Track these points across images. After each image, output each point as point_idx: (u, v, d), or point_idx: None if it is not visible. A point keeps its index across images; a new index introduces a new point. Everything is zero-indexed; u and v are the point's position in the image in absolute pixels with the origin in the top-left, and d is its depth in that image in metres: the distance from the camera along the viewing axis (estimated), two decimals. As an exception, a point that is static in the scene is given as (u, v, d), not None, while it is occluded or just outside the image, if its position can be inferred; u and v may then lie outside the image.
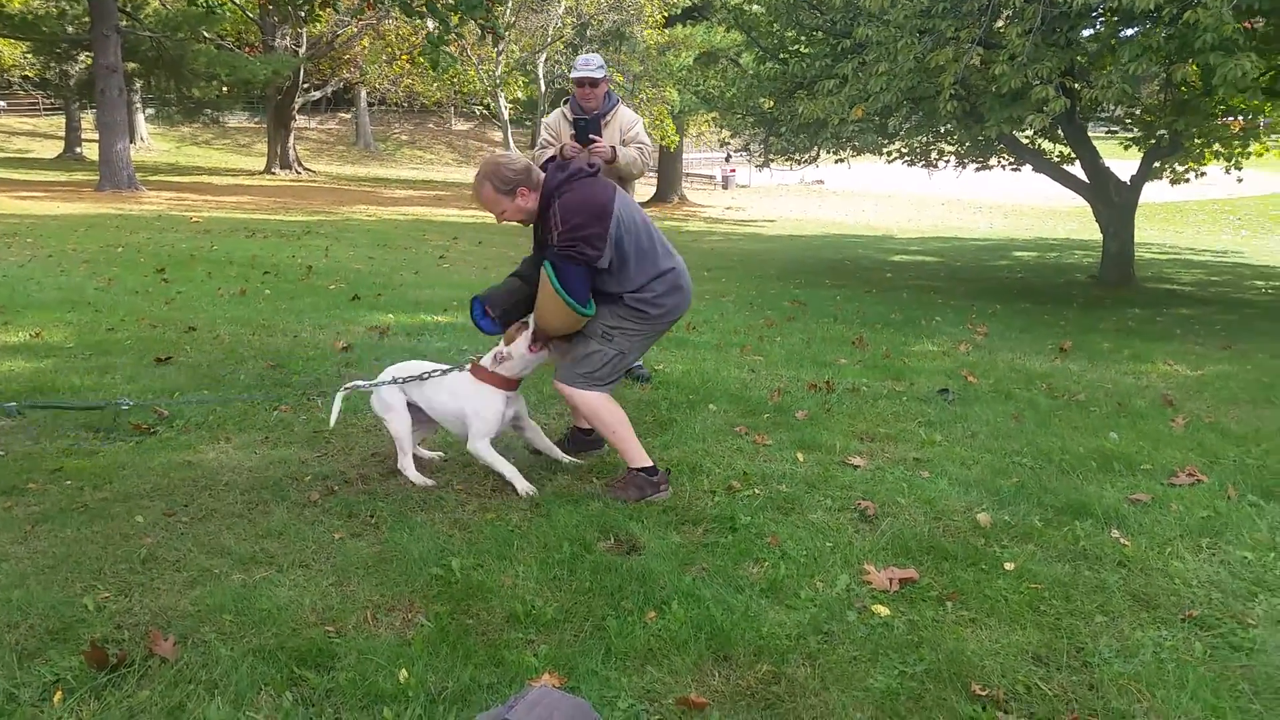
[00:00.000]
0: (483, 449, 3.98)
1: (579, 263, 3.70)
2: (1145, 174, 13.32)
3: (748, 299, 10.43)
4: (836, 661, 2.72)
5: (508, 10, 22.05)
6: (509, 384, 4.04)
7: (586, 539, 3.49)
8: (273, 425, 4.83)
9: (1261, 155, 16.99)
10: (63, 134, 34.37)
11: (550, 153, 5.79)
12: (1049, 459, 4.56)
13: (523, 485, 3.94)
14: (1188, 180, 15.76)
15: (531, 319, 3.95)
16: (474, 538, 3.51)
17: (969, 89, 9.97)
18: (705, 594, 3.07)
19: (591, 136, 5.46)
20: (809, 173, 31.39)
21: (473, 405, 3.99)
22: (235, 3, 29.20)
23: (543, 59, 22.35)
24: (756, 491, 4.02)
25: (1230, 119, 13.45)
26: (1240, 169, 16.81)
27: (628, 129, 5.71)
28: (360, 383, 4.34)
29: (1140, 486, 4.18)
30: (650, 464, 3.95)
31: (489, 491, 4.00)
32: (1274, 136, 16.93)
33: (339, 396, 4.29)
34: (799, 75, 12.74)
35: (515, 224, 3.95)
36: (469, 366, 4.10)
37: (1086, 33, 10.34)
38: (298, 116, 32.98)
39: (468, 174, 39.43)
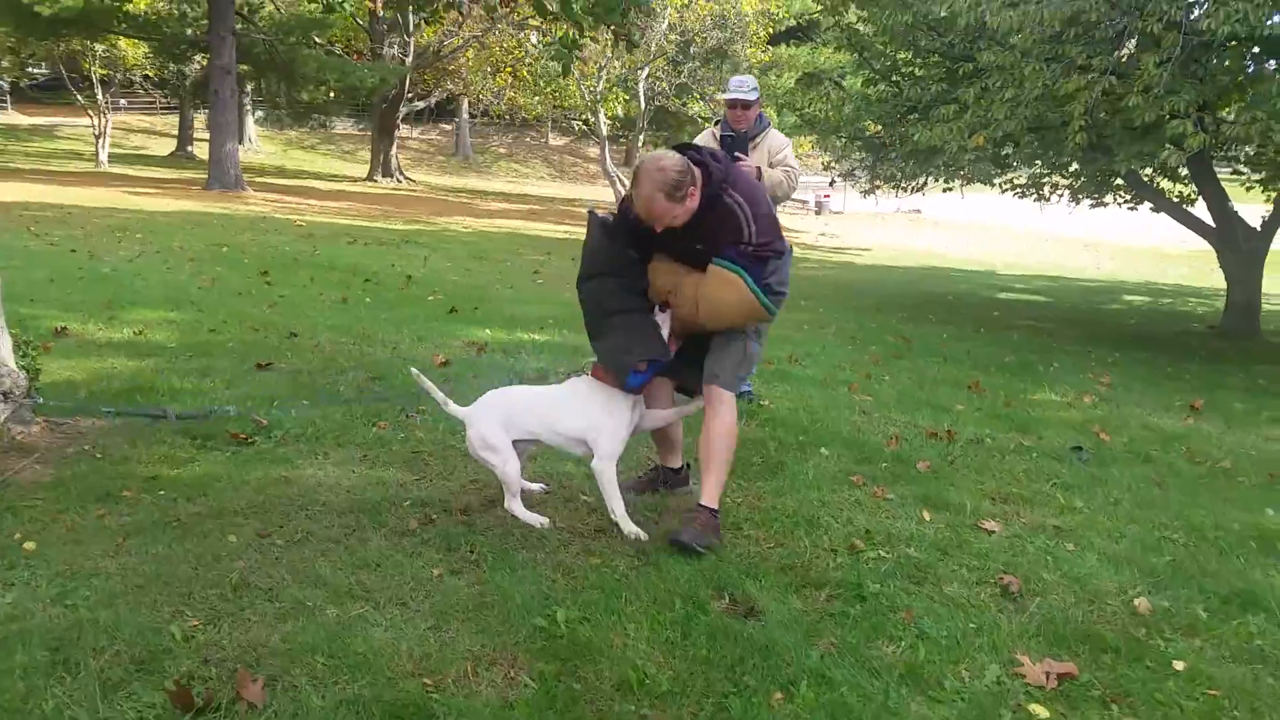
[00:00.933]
0: (608, 472, 3.65)
1: (776, 257, 3.54)
2: (1279, 219, 12.56)
3: (849, 332, 10.06)
4: (991, 771, 2.39)
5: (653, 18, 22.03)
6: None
7: (700, 597, 3.21)
8: (371, 442, 4.66)
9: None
10: (176, 132, 35.51)
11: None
12: (1203, 535, 4.13)
13: (630, 528, 3.66)
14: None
15: (665, 319, 3.65)
16: (578, 585, 3.26)
17: (1097, 120, 9.45)
18: (836, 675, 2.76)
19: (738, 155, 5.29)
20: (906, 202, 30.71)
21: (602, 417, 3.67)
22: (347, 9, 29.92)
23: (644, 75, 22.24)
24: (883, 554, 3.69)
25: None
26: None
27: (776, 152, 5.58)
28: (451, 404, 3.94)
29: (1313, 576, 3.73)
30: (718, 507, 3.73)
31: (592, 532, 3.74)
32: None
33: (430, 387, 3.95)
34: (913, 99, 12.32)
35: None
36: (588, 374, 3.81)
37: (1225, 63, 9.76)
38: (401, 125, 33.47)
39: (562, 189, 39.71)
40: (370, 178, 31.77)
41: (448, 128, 46.41)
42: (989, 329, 11.76)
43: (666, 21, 21.73)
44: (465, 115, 42.39)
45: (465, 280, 11.31)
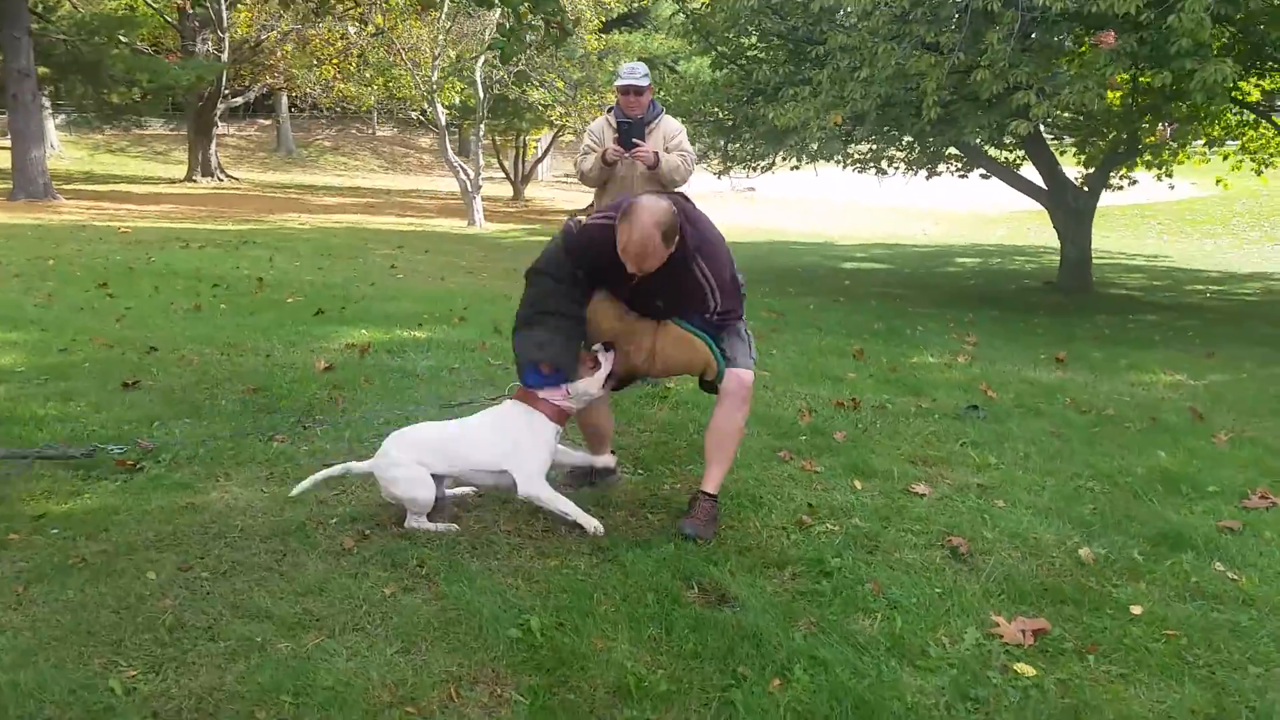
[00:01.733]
0: (541, 490, 3.53)
1: (737, 320, 3.65)
2: (1103, 179, 13.43)
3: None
4: (1000, 733, 2.42)
5: (443, 14, 21.49)
6: (562, 417, 3.63)
7: (670, 588, 3.13)
8: (273, 458, 4.35)
9: (1188, 161, 17.42)
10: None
11: (593, 158, 5.53)
12: (1113, 481, 4.34)
13: (589, 522, 3.52)
14: (1121, 188, 16.03)
15: (606, 357, 3.56)
16: (543, 589, 3.12)
17: (944, 96, 9.82)
18: (826, 655, 2.73)
19: (635, 141, 5.22)
20: (740, 181, 31.35)
21: (525, 440, 3.53)
22: (153, 6, 28.08)
23: (480, 64, 21.77)
24: (831, 527, 3.70)
25: (1163, 126, 13.63)
26: (1171, 176, 17.21)
27: (671, 137, 5.54)
28: (353, 465, 3.73)
29: (1220, 511, 3.98)
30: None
31: (540, 533, 3.60)
32: (1198, 143, 17.38)
33: (323, 474, 3.72)
34: (761, 82, 12.49)
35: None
36: (513, 395, 3.67)
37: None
38: (219, 123, 31.69)
39: (395, 180, 38.55)
40: (189, 178, 29.99)
41: (267, 123, 44.32)
42: (847, 298, 12.10)
43: (499, 10, 21.31)
44: (285, 110, 40.56)
45: (321, 279, 10.79)
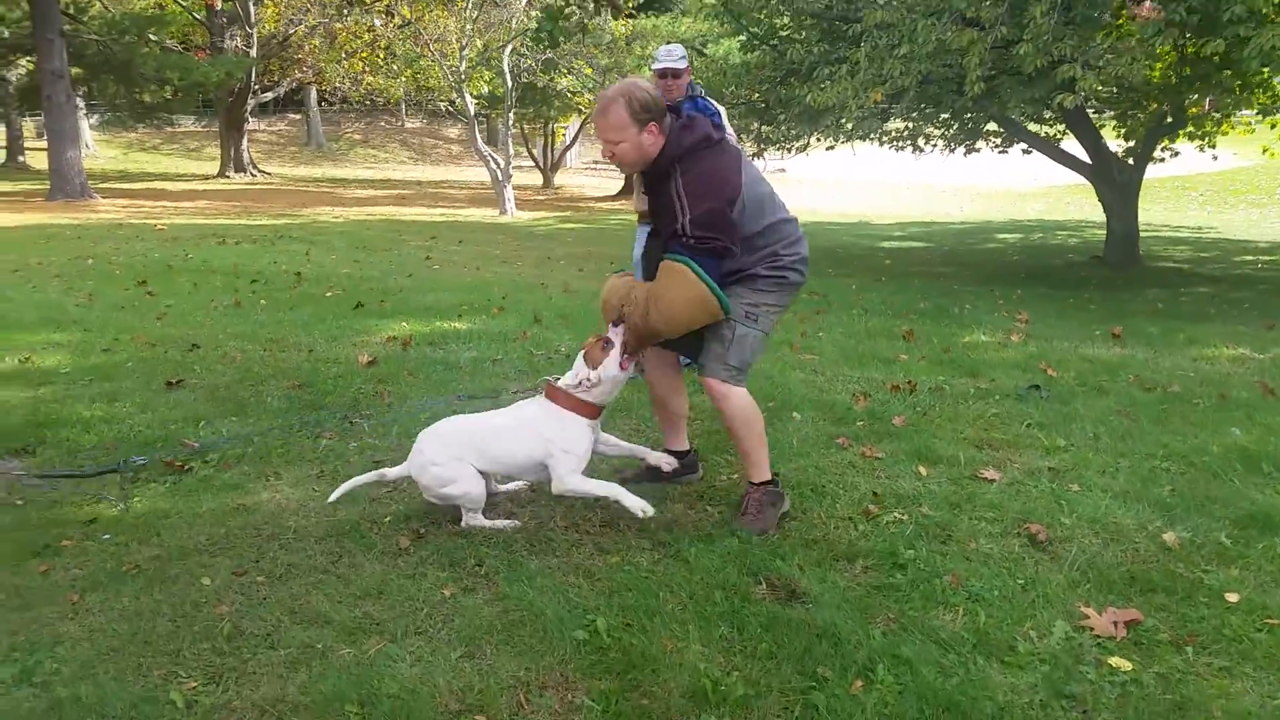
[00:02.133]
0: (576, 483, 3.38)
1: (718, 255, 3.22)
2: (1149, 153, 13.09)
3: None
4: (1103, 734, 2.28)
5: (470, 3, 21.40)
6: (595, 411, 3.48)
7: (737, 585, 3.01)
8: (323, 456, 4.28)
9: (1232, 131, 17.01)
10: (3, 143, 32.98)
11: None
12: (1189, 461, 4.16)
13: (635, 502, 3.32)
14: (1162, 160, 15.65)
15: (618, 334, 3.40)
16: (606, 588, 3.01)
17: (988, 71, 9.57)
18: (909, 654, 2.60)
19: None
20: (773, 162, 31.06)
21: (558, 439, 3.39)
22: (182, 4, 28.21)
23: (507, 52, 21.66)
24: (899, 516, 3.56)
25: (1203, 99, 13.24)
26: (1214, 147, 16.80)
27: None
28: (387, 471, 3.60)
29: (1310, 492, 3.79)
30: (770, 475, 3.55)
31: (598, 528, 3.49)
32: (1244, 112, 16.95)
33: (355, 481, 3.61)
34: (795, 62, 12.27)
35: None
36: (543, 393, 3.53)
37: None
38: (249, 118, 31.89)
39: (425, 172, 38.64)
40: (222, 174, 30.22)
41: (296, 118, 44.56)
42: (888, 278, 11.89)
43: (524, -1, 21.21)
44: (315, 103, 40.74)
45: (358, 273, 10.74)
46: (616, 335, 3.41)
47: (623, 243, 17.18)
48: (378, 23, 25.94)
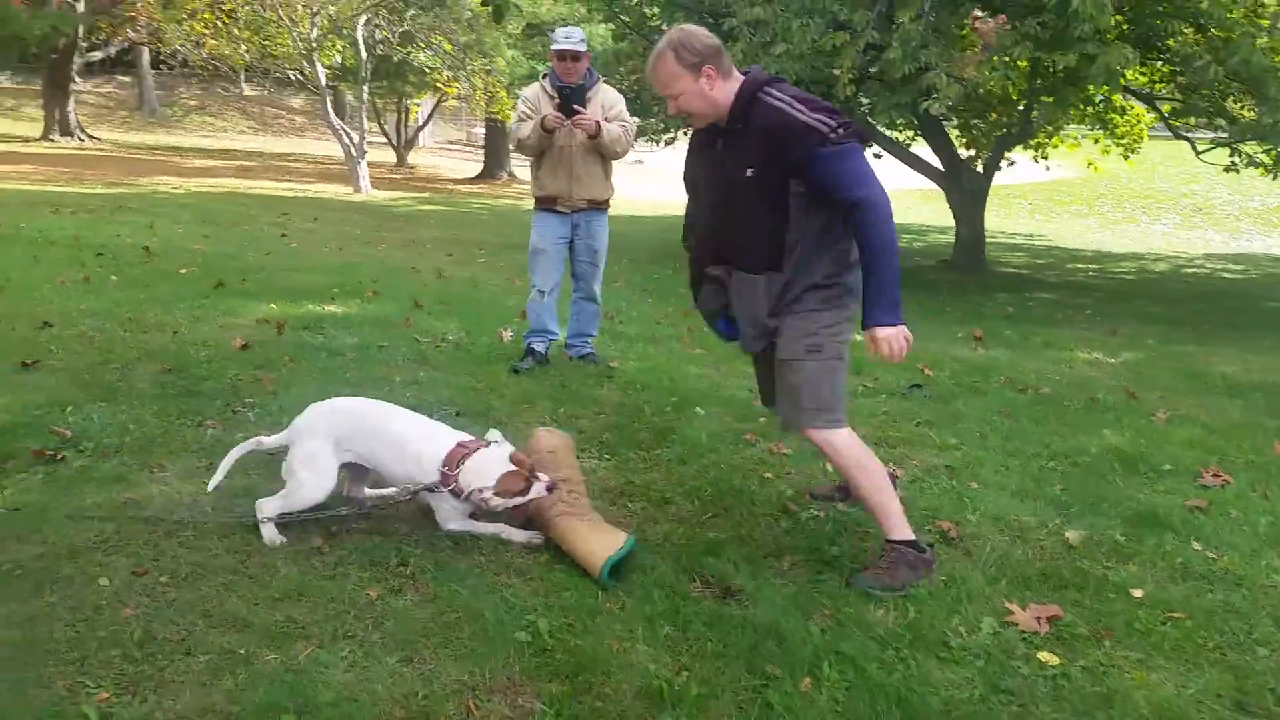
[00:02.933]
0: (456, 527, 3.24)
1: (860, 141, 2.94)
2: (997, 161, 13.80)
3: (638, 284, 10.02)
4: (1043, 726, 2.37)
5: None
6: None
7: (673, 583, 3.00)
8: (209, 446, 4.00)
9: (1061, 145, 18.31)
10: None
11: (530, 125, 5.23)
12: (1073, 461, 4.40)
13: (524, 535, 3.23)
14: (999, 169, 16.60)
15: (540, 487, 3.14)
16: (542, 588, 2.94)
17: (859, 75, 9.89)
18: (850, 650, 2.64)
19: (576, 108, 4.97)
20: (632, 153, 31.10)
21: (438, 500, 3.22)
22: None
23: (361, 22, 20.92)
24: (817, 513, 3.63)
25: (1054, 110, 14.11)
26: (1047, 158, 17.95)
27: (610, 106, 5.31)
28: (264, 438, 3.41)
29: (1183, 491, 4.07)
30: (914, 536, 3.10)
31: (523, 525, 3.40)
32: (1070, 127, 18.25)
33: (232, 455, 3.39)
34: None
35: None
36: (460, 441, 3.27)
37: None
38: (76, 79, 29.62)
39: (267, 144, 36.90)
40: (46, 137, 28.01)
41: (127, 80, 41.72)
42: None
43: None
44: (148, 66, 38.26)
45: (211, 249, 10.16)
46: (539, 487, 3.14)
47: (486, 228, 16.91)
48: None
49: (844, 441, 3.07)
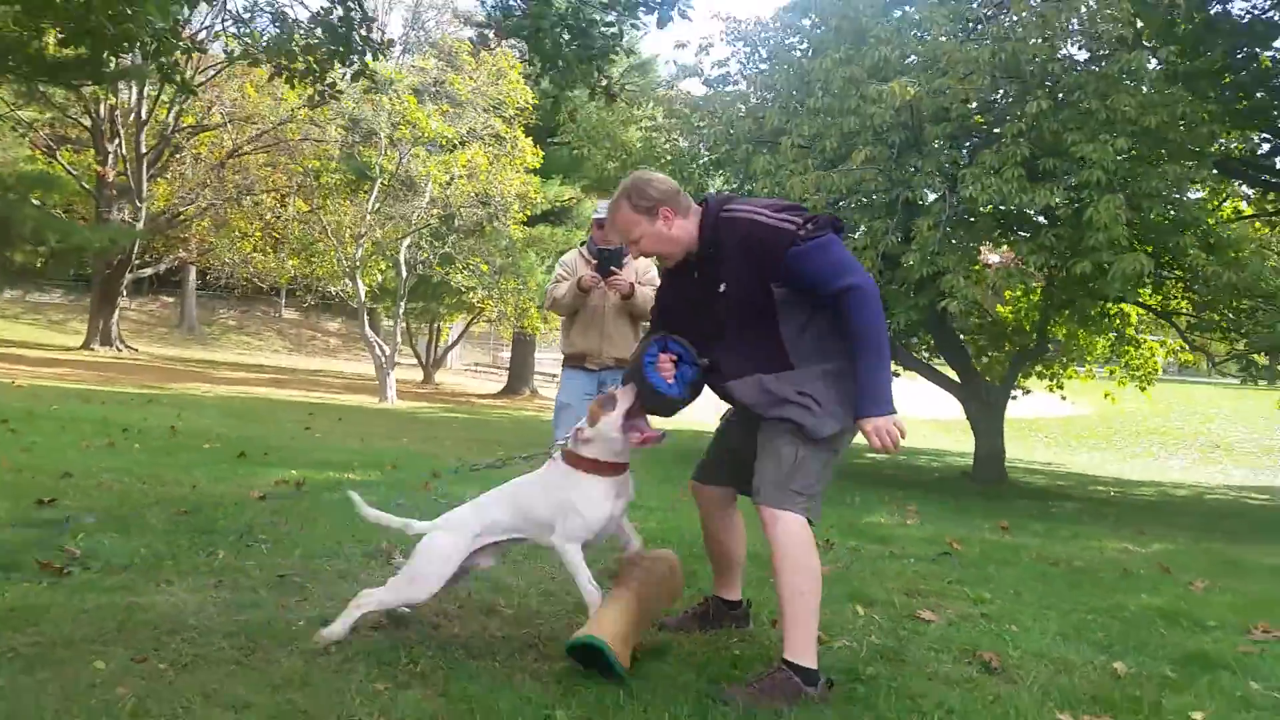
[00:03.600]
0: (573, 553, 3.10)
1: (835, 231, 2.92)
2: (1014, 377, 13.98)
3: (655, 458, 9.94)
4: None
5: (373, 196, 21.83)
6: (613, 468, 3.18)
7: (698, 688, 2.82)
8: (219, 569, 3.91)
9: (1075, 378, 18.70)
10: None
11: (567, 285, 5.45)
12: (1113, 615, 4.20)
13: (594, 597, 3.07)
14: (1015, 398, 16.76)
15: (625, 391, 3.17)
16: (560, 689, 2.77)
17: (879, 279, 10.23)
18: (891, 751, 2.45)
19: (612, 269, 5.17)
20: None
21: (569, 498, 3.14)
22: (71, 172, 27.88)
23: (405, 244, 22.04)
24: (848, 644, 3.46)
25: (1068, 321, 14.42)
26: (1062, 388, 18.18)
27: (644, 271, 5.55)
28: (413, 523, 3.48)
29: (1230, 640, 3.85)
30: (814, 666, 2.84)
31: (542, 639, 3.25)
32: (1089, 364, 18.67)
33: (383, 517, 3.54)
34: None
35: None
36: (557, 455, 3.29)
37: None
38: (124, 294, 30.97)
39: (301, 361, 37.95)
40: (87, 346, 28.96)
41: (170, 300, 43.60)
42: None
43: (429, 196, 21.80)
44: (193, 285, 40.08)
45: (236, 433, 10.25)
46: (624, 396, 3.15)
47: (507, 431, 17.06)
48: (268, 216, 26.05)
49: (801, 533, 2.95)
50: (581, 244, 5.84)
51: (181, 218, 29.72)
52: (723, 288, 2.98)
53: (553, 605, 3.71)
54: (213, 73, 26.12)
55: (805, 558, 2.93)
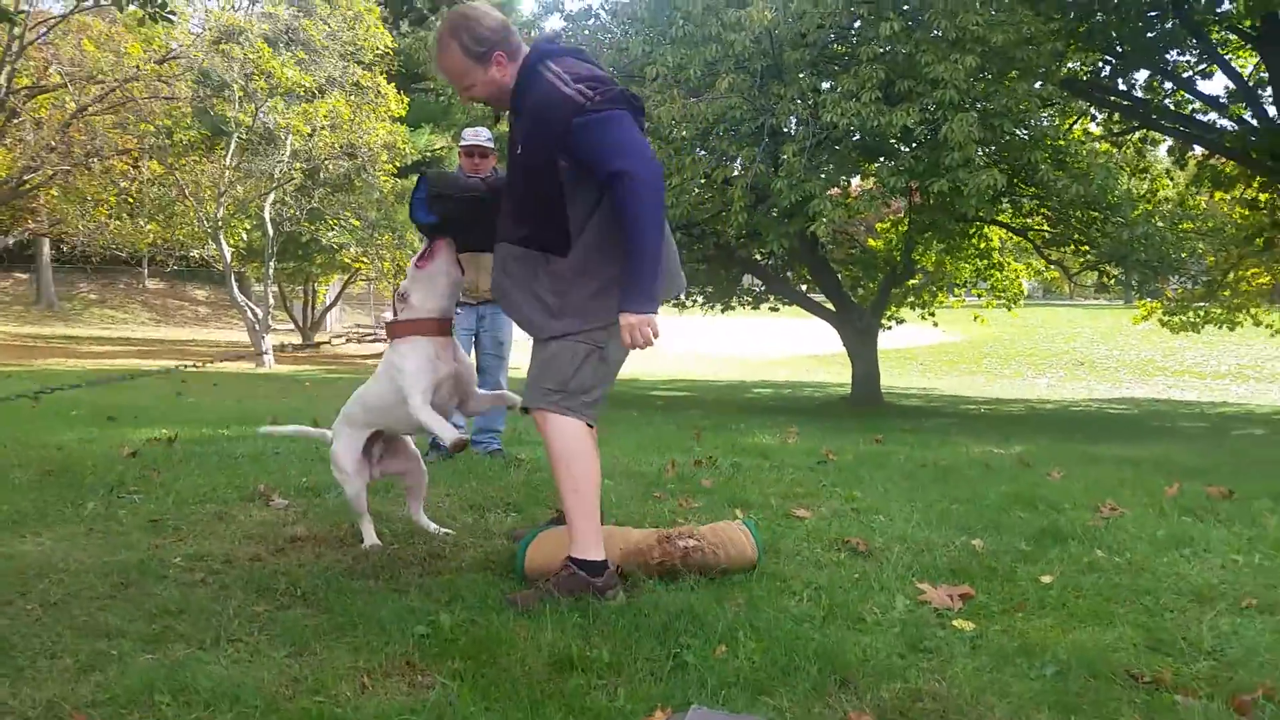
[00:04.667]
0: (418, 407, 3.06)
1: (622, 108, 2.72)
2: (885, 301, 14.45)
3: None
4: (964, 673, 2.32)
5: (230, 152, 20.96)
6: (430, 327, 3.19)
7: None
8: (89, 518, 3.79)
9: (947, 302, 19.46)
10: None
11: None
12: (973, 504, 4.44)
13: (449, 433, 3.03)
14: (889, 328, 17.35)
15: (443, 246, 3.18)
16: (445, 597, 2.80)
17: (748, 206, 10.40)
18: (765, 624, 2.57)
19: None
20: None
21: (398, 364, 3.15)
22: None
23: (269, 201, 21.25)
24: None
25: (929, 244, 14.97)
26: (934, 315, 18.88)
27: None
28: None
29: (1081, 518, 4.12)
30: (601, 557, 2.82)
31: (427, 558, 3.27)
32: (958, 289, 19.41)
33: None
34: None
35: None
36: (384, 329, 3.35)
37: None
38: (-33, 269, 29.19)
39: (170, 332, 36.47)
40: (-68, 328, 27.26)
41: (24, 276, 41.18)
42: (666, 412, 12.24)
43: (290, 149, 21.03)
44: (47, 258, 37.91)
45: (104, 400, 9.85)
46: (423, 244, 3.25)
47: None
48: (120, 184, 24.72)
49: (567, 430, 2.81)
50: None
51: (26, 186, 27.98)
52: (519, 149, 2.83)
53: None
54: (45, 31, 24.55)
55: (578, 458, 2.83)
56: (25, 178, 27.49)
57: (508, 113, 2.93)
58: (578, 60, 2.83)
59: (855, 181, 13.17)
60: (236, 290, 20.80)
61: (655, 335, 2.72)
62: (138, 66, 21.64)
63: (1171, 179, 17.51)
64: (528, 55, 2.83)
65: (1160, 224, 12.96)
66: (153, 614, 2.60)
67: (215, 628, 2.52)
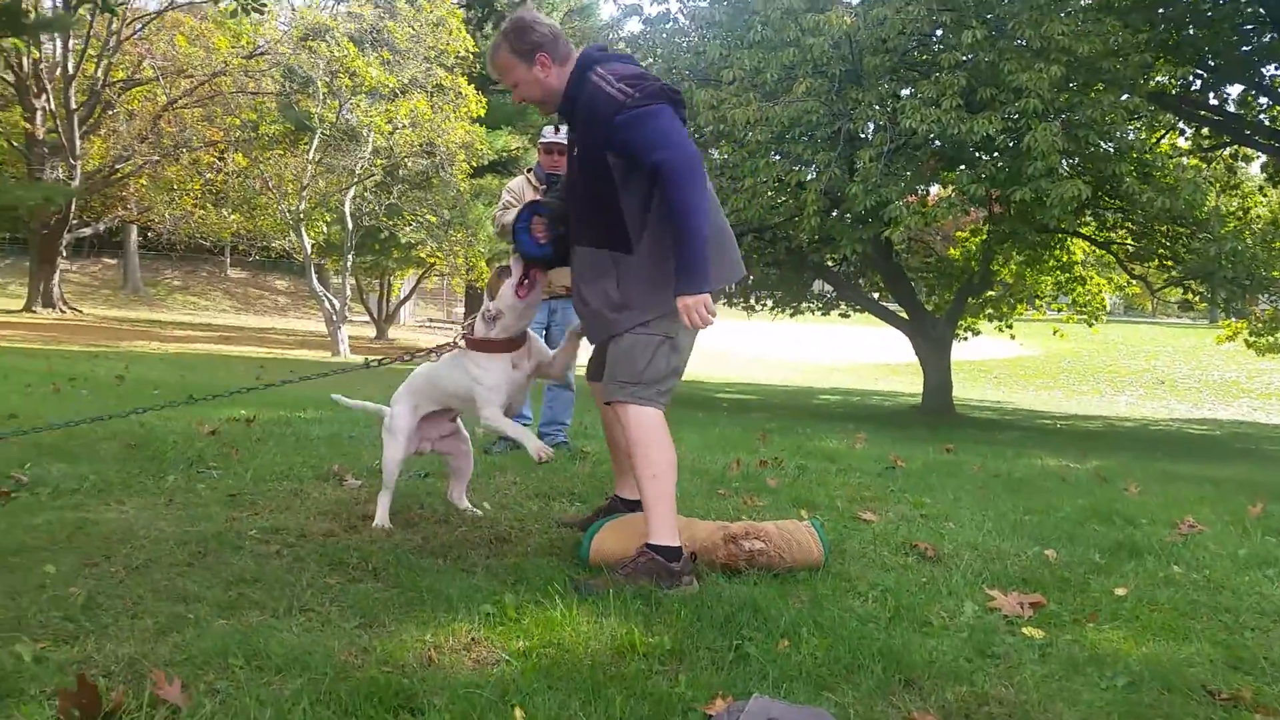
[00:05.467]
0: (493, 417, 3.30)
1: (661, 102, 2.83)
2: (959, 310, 14.21)
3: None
4: (1033, 679, 2.27)
5: (313, 147, 21.45)
6: (510, 345, 3.35)
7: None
8: (171, 490, 3.92)
9: (1025, 314, 19.02)
10: None
11: (513, 213, 5.39)
12: (1047, 515, 4.35)
13: (535, 444, 3.20)
14: (965, 339, 17.05)
15: (516, 262, 3.28)
16: (510, 579, 2.84)
17: (822, 211, 10.33)
18: (828, 622, 2.55)
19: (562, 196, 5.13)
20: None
21: (478, 376, 3.33)
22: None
23: (349, 196, 21.71)
24: (792, 539, 3.54)
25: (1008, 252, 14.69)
26: (1011, 327, 18.50)
27: None
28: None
29: (1158, 533, 4.01)
30: (678, 543, 2.86)
31: (493, 540, 3.31)
32: (1038, 301, 18.99)
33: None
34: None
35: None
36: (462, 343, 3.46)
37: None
38: (63, 254, 30.22)
39: (250, 320, 37.43)
40: (28, 308, 28.31)
41: (112, 262, 42.64)
42: (731, 414, 12.20)
43: (372, 146, 21.45)
44: (135, 245, 39.21)
45: (184, 382, 10.17)
46: (515, 264, 3.29)
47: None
48: (207, 175, 25.47)
49: (645, 419, 2.91)
50: (527, 170, 5.79)
51: (118, 175, 29.00)
52: (576, 150, 3.00)
53: (506, 515, 3.76)
54: (140, 27, 25.43)
55: (656, 446, 2.91)
56: (117, 166, 28.52)
57: (556, 116, 3.13)
58: (622, 64, 2.98)
59: (934, 190, 13.02)
60: (315, 281, 21.26)
61: (712, 315, 2.80)
62: (226, 62, 22.28)
63: (1265, 196, 16.94)
64: (578, 62, 2.97)
65: (1250, 241, 12.54)
66: (229, 582, 2.68)
67: (289, 597, 2.58)
